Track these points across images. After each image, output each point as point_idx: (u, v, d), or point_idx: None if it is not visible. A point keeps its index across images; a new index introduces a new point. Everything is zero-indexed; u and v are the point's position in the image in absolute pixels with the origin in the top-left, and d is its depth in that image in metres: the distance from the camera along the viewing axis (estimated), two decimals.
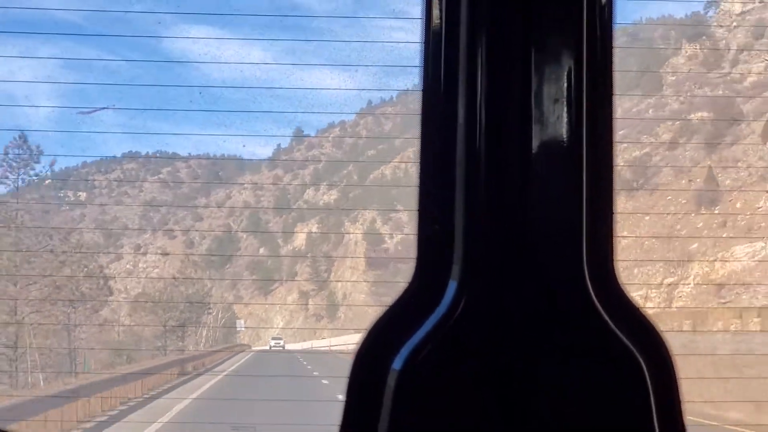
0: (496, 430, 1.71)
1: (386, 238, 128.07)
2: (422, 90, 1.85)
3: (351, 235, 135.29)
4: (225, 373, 31.57)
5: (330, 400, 16.79)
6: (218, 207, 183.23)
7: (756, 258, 51.48)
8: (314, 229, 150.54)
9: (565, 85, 1.78)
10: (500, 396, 1.72)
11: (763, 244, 52.02)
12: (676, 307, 51.75)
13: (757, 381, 21.07)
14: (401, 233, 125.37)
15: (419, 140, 1.84)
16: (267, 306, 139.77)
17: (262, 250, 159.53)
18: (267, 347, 73.51)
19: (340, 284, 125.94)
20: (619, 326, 1.73)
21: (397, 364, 1.75)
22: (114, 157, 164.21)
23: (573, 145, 1.78)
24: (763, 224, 55.11)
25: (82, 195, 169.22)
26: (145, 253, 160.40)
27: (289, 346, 79.24)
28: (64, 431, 21.64)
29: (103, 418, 23.72)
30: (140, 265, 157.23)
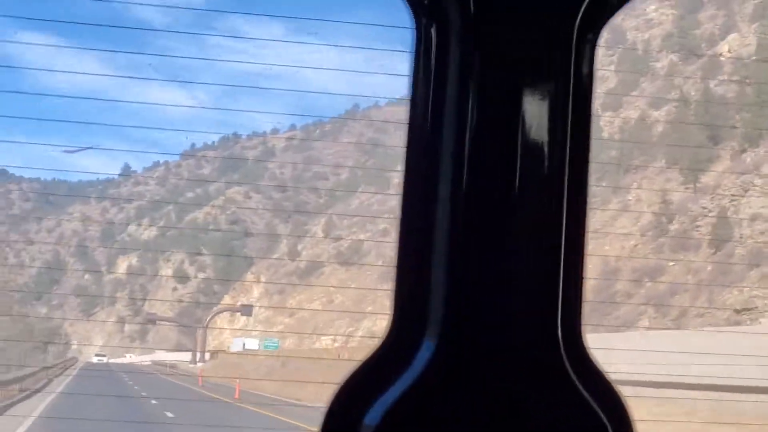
0: None
1: (191, 277, 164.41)
2: (407, 143, 1.94)
3: (163, 272, 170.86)
4: (79, 369, 69.25)
5: (125, 382, 55.01)
6: (48, 233, 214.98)
7: None
8: (134, 262, 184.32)
9: (551, 147, 1.90)
10: None
11: None
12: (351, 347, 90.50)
13: None
14: (204, 274, 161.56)
15: (401, 194, 1.92)
16: (89, 327, 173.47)
17: (87, 277, 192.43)
18: (92, 360, 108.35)
19: (152, 312, 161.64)
20: (586, 388, 1.86)
21: (371, 419, 1.83)
22: None
23: (554, 208, 1.89)
24: None
25: None
26: None
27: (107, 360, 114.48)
28: None
29: None
30: None
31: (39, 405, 31.40)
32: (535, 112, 1.90)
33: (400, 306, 1.89)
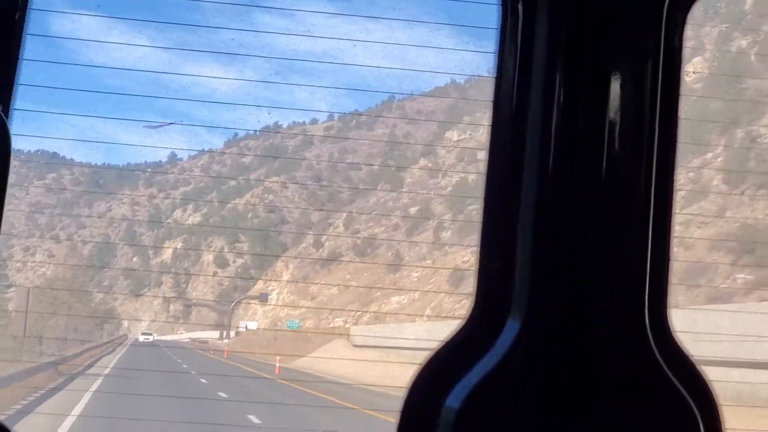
0: None
1: (230, 262, 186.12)
2: (492, 121, 1.99)
3: (205, 257, 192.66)
4: (131, 343, 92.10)
5: (162, 350, 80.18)
6: (99, 217, 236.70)
7: (402, 303, 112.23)
8: (179, 246, 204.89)
9: (639, 126, 1.92)
10: None
11: (404, 297, 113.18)
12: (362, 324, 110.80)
13: None
14: (241, 259, 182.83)
15: (486, 174, 1.97)
16: (137, 306, 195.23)
17: (135, 260, 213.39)
18: (140, 339, 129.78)
19: (194, 294, 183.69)
20: (673, 372, 1.88)
21: (454, 401, 1.86)
22: None
23: (642, 189, 1.91)
24: (408, 285, 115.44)
25: None
26: (34, 254, 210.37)
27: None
28: None
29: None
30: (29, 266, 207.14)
31: (114, 358, 55.29)
32: (624, 90, 1.93)
33: (484, 287, 1.96)
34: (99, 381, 33.61)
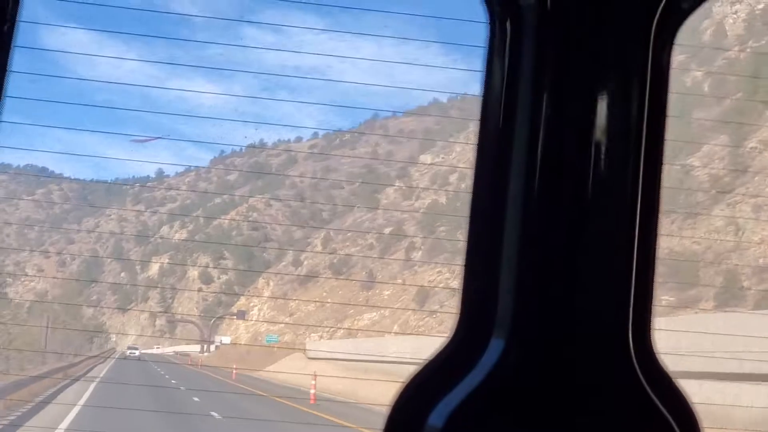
0: None
1: (215, 278, 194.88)
2: (478, 139, 1.97)
3: (190, 272, 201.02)
4: (117, 356, 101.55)
5: (146, 361, 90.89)
6: (88, 233, 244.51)
7: (373, 320, 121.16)
8: (166, 262, 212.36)
9: (625, 146, 1.90)
10: None
11: (375, 314, 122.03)
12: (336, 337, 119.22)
13: None
14: (226, 276, 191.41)
15: (471, 192, 1.94)
16: (124, 321, 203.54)
17: (123, 275, 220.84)
18: (126, 352, 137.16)
19: (180, 309, 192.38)
20: (655, 392, 1.89)
21: (437, 420, 1.84)
22: None
23: (627, 208, 1.90)
24: (379, 302, 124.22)
25: None
26: (24, 268, 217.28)
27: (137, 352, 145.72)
28: None
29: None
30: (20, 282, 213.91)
31: (106, 366, 66.18)
32: (611, 110, 1.92)
33: (468, 305, 1.95)
34: (96, 381, 45.38)
